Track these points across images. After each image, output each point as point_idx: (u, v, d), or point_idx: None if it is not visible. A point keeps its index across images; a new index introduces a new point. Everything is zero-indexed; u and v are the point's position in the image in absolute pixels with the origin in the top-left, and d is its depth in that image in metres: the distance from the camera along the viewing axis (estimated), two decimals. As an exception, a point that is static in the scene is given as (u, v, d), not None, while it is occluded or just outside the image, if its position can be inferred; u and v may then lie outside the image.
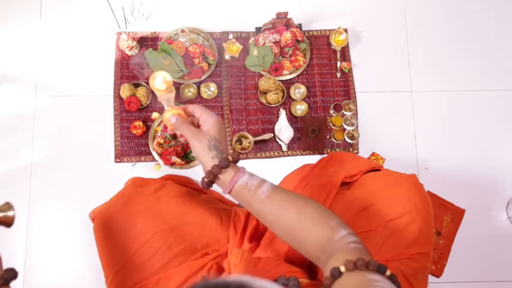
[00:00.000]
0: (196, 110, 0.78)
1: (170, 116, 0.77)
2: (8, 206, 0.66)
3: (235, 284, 0.37)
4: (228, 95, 1.29)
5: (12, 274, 0.61)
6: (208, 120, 0.75)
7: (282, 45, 1.30)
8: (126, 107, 1.24)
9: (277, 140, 1.27)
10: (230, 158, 0.74)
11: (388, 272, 0.59)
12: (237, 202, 0.79)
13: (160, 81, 0.79)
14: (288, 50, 1.30)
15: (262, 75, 1.30)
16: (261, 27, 1.32)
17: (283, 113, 1.27)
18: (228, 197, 0.99)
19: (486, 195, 1.28)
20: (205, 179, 0.76)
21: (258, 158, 1.27)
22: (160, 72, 0.80)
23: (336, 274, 0.58)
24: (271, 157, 1.27)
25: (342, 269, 0.58)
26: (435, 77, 1.35)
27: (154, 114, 1.26)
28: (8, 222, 0.66)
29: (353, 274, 0.57)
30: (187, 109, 0.79)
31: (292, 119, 1.29)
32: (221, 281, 0.37)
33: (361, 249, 0.63)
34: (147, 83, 1.27)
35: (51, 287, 1.17)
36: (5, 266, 0.63)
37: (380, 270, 0.58)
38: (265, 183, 0.73)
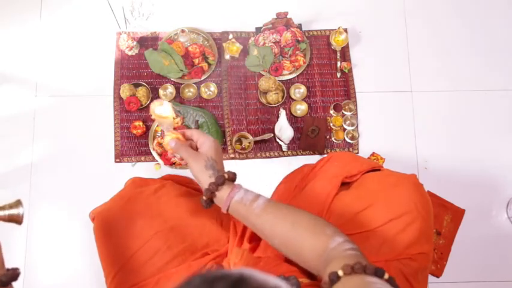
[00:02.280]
0: (194, 134, 0.83)
1: (170, 140, 0.82)
2: (17, 203, 0.67)
3: (235, 275, 0.37)
4: (228, 95, 1.29)
5: (14, 274, 0.61)
6: (205, 142, 0.80)
7: (282, 45, 1.30)
8: (126, 107, 1.24)
9: (277, 140, 1.27)
10: (226, 175, 0.77)
11: (386, 276, 0.59)
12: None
13: (161, 108, 0.85)
14: (288, 50, 1.30)
15: (262, 75, 1.30)
16: (261, 27, 1.32)
17: (283, 113, 1.27)
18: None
19: (486, 195, 1.28)
20: (204, 197, 0.78)
21: (258, 158, 1.27)
22: (159, 101, 0.85)
23: (334, 278, 0.59)
24: (271, 157, 1.27)
25: (340, 273, 0.59)
26: (435, 77, 1.35)
27: (154, 114, 1.26)
28: (18, 221, 0.67)
29: (351, 278, 0.58)
30: (185, 133, 0.84)
31: (292, 119, 1.29)
32: (220, 273, 0.37)
33: (358, 255, 0.64)
34: (147, 83, 1.27)
35: (51, 287, 1.17)
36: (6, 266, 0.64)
37: (378, 273, 0.59)
38: (260, 198, 0.76)
